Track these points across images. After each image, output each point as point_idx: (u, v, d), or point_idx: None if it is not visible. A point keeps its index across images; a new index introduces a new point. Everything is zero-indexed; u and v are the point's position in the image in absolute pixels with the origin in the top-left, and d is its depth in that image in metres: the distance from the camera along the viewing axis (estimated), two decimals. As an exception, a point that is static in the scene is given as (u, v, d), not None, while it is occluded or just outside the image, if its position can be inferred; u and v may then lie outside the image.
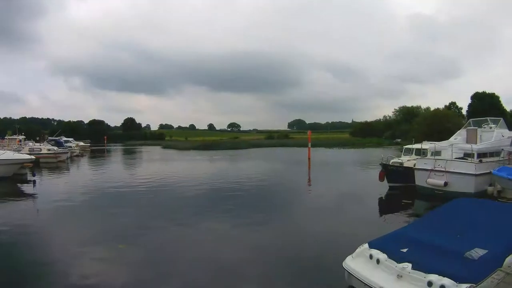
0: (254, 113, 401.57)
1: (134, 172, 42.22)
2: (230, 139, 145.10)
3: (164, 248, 13.43)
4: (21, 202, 23.94)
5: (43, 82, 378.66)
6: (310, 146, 50.59)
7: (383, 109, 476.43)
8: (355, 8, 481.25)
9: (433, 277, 7.03)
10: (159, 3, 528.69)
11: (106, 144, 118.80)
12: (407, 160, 27.15)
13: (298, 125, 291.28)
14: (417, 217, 16.96)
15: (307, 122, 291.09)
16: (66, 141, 71.52)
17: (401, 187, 25.29)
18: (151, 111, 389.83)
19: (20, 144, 55.61)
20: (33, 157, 36.26)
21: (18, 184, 31.38)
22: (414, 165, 24.76)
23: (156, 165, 51.27)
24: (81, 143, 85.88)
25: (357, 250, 9.15)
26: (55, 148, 56.17)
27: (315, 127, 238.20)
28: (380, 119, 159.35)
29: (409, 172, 24.73)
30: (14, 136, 65.39)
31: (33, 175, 31.62)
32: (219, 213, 19.21)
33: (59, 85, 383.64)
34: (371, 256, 8.46)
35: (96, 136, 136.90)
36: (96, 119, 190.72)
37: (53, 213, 19.74)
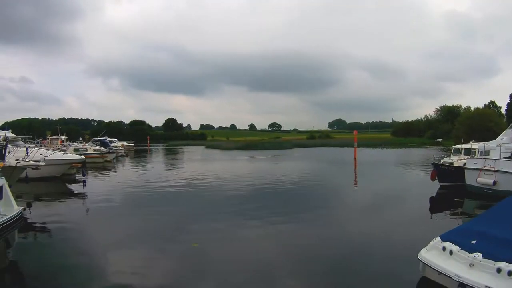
0: (293, 113, 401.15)
1: (183, 171, 41.76)
2: (272, 139, 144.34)
3: (205, 246, 13.22)
4: (71, 201, 23.85)
5: (81, 83, 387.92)
6: (356, 146, 49.88)
7: (421, 108, 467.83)
8: (389, 6, 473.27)
9: (502, 264, 7.65)
10: (195, 3, 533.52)
11: (149, 144, 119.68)
12: (456, 160, 27.39)
13: (338, 125, 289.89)
14: (469, 215, 18.19)
15: (347, 122, 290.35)
16: (111, 142, 71.65)
17: (451, 186, 25.40)
18: (190, 112, 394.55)
19: (64, 145, 55.71)
20: (83, 157, 36.12)
21: (68, 184, 31.33)
22: (464, 164, 24.83)
23: (204, 165, 51.12)
24: (125, 143, 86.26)
25: (430, 243, 9.70)
26: (101, 148, 56.21)
27: (355, 127, 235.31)
28: (421, 118, 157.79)
29: (459, 172, 24.84)
30: (56, 137, 65.90)
31: (83, 175, 31.17)
32: (264, 212, 18.61)
33: (97, 86, 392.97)
34: (444, 248, 9.11)
35: (137, 137, 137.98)
36: (137, 119, 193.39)
37: (102, 212, 19.76)
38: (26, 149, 24.93)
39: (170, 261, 12.04)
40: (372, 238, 14.02)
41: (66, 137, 64.04)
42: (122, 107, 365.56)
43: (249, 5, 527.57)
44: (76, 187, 29.93)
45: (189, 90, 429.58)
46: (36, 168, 22.76)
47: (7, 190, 16.46)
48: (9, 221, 14.93)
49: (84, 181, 30.14)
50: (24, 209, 16.83)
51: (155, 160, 64.36)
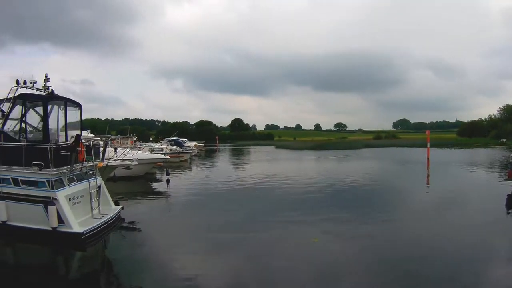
0: (357, 113, 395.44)
1: (261, 170, 40.93)
2: (339, 139, 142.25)
3: (271, 245, 13.28)
4: (158, 200, 23.69)
5: (143, 84, 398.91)
6: (429, 146, 48.44)
7: (483, 108, 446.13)
8: (446, 4, 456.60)
9: None
10: (258, 5, 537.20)
11: (218, 144, 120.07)
12: None
13: (402, 125, 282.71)
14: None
15: (412, 121, 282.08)
16: (183, 142, 71.64)
17: None
18: (256, 112, 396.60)
19: (135, 144, 55.93)
20: (167, 156, 36.32)
21: (152, 183, 31.09)
22: None
23: (280, 164, 50.60)
24: (196, 143, 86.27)
25: None
26: (177, 148, 56.08)
27: (420, 127, 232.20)
28: (485, 118, 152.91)
29: None
30: (126, 136, 66.38)
31: (167, 174, 30.78)
32: (332, 212, 18.25)
33: (160, 87, 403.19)
34: None
35: (203, 137, 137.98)
36: (203, 120, 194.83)
37: (189, 211, 19.94)
38: (115, 148, 24.50)
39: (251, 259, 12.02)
40: (445, 241, 13.32)
41: (136, 137, 64.33)
42: (187, 108, 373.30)
43: (312, 6, 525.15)
44: (159, 186, 29.54)
45: (254, 90, 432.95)
46: (128, 167, 22.87)
47: (104, 190, 16.35)
48: (110, 220, 14.94)
49: (168, 180, 29.96)
50: (123, 208, 16.70)
51: (228, 160, 64.07)
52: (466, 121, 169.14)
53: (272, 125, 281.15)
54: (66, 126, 15.73)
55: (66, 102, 15.77)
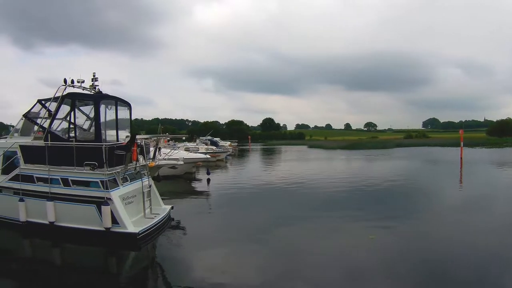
0: (387, 112, 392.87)
1: (298, 169, 41.13)
2: (370, 139, 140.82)
3: (329, 242, 13.23)
4: (199, 199, 23.65)
5: (173, 84, 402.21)
6: (462, 146, 48.79)
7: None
8: (475, 2, 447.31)
9: None
10: (287, 4, 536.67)
11: (250, 143, 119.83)
12: None
13: (432, 124, 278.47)
14: None
15: (441, 121, 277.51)
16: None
17: None
18: (286, 111, 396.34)
19: (169, 144, 55.71)
20: (208, 156, 36.05)
21: (192, 182, 30.97)
22: None
23: (315, 163, 50.70)
24: (230, 143, 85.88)
25: None
26: (213, 147, 55.75)
27: (448, 126, 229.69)
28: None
29: None
30: (160, 136, 66.10)
31: (208, 173, 30.29)
32: (369, 211, 18.11)
33: (190, 87, 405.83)
34: None
35: (235, 136, 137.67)
36: (234, 119, 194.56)
37: (228, 210, 19.71)
38: (160, 148, 24.25)
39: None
40: (478, 245, 12.62)
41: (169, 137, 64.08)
42: (216, 107, 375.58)
43: (341, 5, 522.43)
44: (200, 185, 29.34)
45: (284, 90, 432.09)
46: (173, 167, 23.04)
47: (155, 190, 16.28)
48: (162, 220, 14.84)
49: (208, 180, 29.75)
50: (172, 207, 16.54)
51: (264, 159, 63.77)
52: (495, 120, 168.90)
53: (302, 124, 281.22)
54: (117, 126, 15.48)
55: (117, 102, 15.50)
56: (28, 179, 14.30)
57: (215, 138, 76.34)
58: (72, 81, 14.70)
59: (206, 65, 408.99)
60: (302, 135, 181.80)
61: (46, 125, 14.64)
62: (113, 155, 13.62)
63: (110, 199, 13.07)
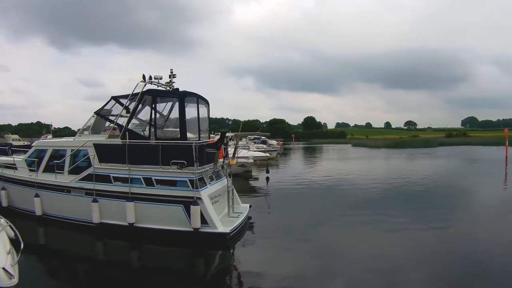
0: (425, 110, 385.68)
1: (351, 167, 41.80)
2: (411, 137, 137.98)
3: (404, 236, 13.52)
4: (261, 197, 22.98)
5: (212, 83, 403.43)
6: (507, 144, 47.47)
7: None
8: None
9: None
10: (324, 3, 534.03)
11: (294, 142, 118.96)
12: None
13: (470, 123, 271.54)
14: None
15: (479, 119, 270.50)
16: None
17: None
18: (326, 110, 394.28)
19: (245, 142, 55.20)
20: (268, 154, 36.28)
21: (250, 181, 30.42)
22: None
23: (364, 162, 50.64)
24: (278, 141, 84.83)
25: None
26: (264, 146, 54.99)
27: (487, 125, 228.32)
28: None
29: None
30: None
31: (267, 172, 29.90)
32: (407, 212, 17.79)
33: (229, 86, 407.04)
34: None
35: (277, 135, 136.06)
36: (276, 118, 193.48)
37: (291, 208, 19.46)
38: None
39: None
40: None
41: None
42: (256, 106, 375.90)
43: (378, 3, 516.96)
44: (258, 184, 28.63)
45: (323, 88, 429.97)
46: (243, 165, 23.60)
47: (233, 189, 15.51)
48: (246, 219, 14.58)
49: (267, 178, 29.28)
50: (250, 206, 16.04)
51: (312, 157, 62.96)
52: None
53: (342, 123, 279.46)
54: (199, 123, 14.85)
55: (198, 99, 14.91)
56: (104, 179, 13.69)
57: (262, 137, 75.59)
58: (150, 78, 14.25)
59: (245, 64, 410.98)
60: (343, 134, 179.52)
61: (121, 122, 14.19)
62: (203, 154, 13.07)
63: (200, 198, 12.46)
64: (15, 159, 16.82)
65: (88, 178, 13.88)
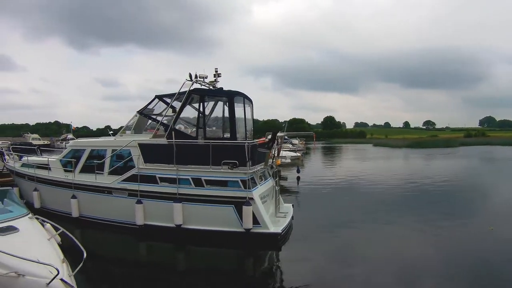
0: (443, 110, 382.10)
1: (376, 167, 42.42)
2: (430, 137, 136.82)
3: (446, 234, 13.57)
4: (293, 197, 22.53)
5: (231, 83, 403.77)
6: None
7: None
8: None
9: None
10: (342, 1, 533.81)
11: (315, 142, 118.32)
12: None
13: (488, 122, 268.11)
14: None
15: (497, 119, 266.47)
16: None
17: None
18: (343, 109, 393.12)
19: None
20: (299, 154, 36.82)
21: (280, 181, 29.88)
22: None
23: (390, 162, 50.94)
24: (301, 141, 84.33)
25: None
26: (290, 146, 54.45)
27: (505, 125, 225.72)
28: None
29: None
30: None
31: (298, 171, 30.01)
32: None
33: (248, 86, 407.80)
34: None
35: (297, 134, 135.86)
36: (296, 117, 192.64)
37: (326, 207, 19.65)
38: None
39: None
40: None
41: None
42: (275, 105, 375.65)
43: (395, 2, 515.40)
44: (289, 183, 28.22)
45: (341, 87, 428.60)
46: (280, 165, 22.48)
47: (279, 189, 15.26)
48: (291, 220, 14.12)
49: (298, 178, 29.26)
50: (293, 206, 15.60)
51: (334, 157, 62.72)
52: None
53: (361, 122, 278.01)
54: (246, 122, 14.59)
55: (244, 98, 14.61)
56: (149, 179, 13.31)
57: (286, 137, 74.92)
58: (196, 76, 14.00)
59: (263, 63, 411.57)
60: (363, 134, 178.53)
61: (164, 121, 13.97)
62: (255, 154, 12.81)
63: (252, 198, 12.17)
64: (49, 159, 16.48)
65: (132, 178, 13.51)
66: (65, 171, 15.39)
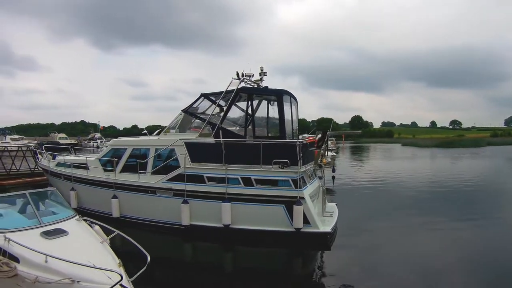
0: (469, 109, 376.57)
1: (409, 166, 42.46)
2: (457, 137, 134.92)
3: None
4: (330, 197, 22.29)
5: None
6: None
7: None
8: None
9: None
10: (366, 1, 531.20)
11: (344, 141, 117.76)
12: None
13: None
14: None
15: None
16: (313, 138, 69.50)
17: None
18: (370, 109, 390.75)
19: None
20: (334, 153, 36.14)
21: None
22: None
23: (423, 161, 50.43)
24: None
25: None
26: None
27: None
28: None
29: None
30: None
31: (333, 171, 29.08)
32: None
33: (275, 85, 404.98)
34: None
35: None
36: (324, 117, 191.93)
37: (364, 206, 19.74)
38: None
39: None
40: None
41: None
42: (302, 105, 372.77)
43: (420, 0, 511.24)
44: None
45: (369, 87, 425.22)
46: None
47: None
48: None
49: (333, 177, 27.92)
50: (337, 205, 15.10)
51: (364, 157, 62.08)
52: None
53: (388, 122, 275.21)
54: (292, 121, 14.47)
55: (291, 97, 14.46)
56: (196, 179, 13.04)
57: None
58: (243, 75, 13.82)
59: (290, 63, 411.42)
60: (390, 133, 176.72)
61: (210, 120, 13.78)
62: (306, 153, 12.67)
63: (303, 198, 11.97)
64: (87, 158, 16.30)
65: (177, 178, 13.27)
66: (105, 170, 15.22)
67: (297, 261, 12.14)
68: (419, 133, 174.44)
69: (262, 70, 14.49)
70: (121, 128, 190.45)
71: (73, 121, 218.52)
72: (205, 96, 14.44)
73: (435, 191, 23.70)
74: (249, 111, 14.21)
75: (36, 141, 59.16)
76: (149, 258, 6.82)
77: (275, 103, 13.96)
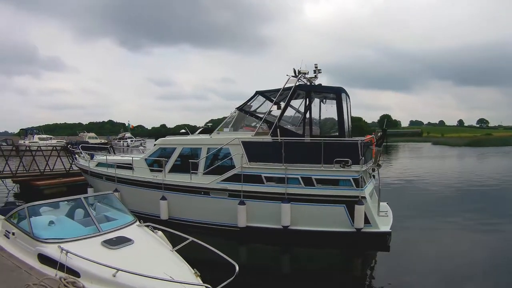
0: (495, 108, 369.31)
1: (449, 166, 42.57)
2: (485, 136, 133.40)
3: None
4: None
5: (284, 81, 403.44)
6: None
7: None
8: None
9: None
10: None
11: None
12: None
13: None
14: None
15: None
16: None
17: None
18: (397, 107, 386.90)
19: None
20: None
21: None
22: None
23: (463, 161, 50.35)
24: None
25: None
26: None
27: None
28: None
29: None
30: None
31: (373, 169, 28.47)
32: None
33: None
34: None
35: (354, 132, 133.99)
36: (353, 116, 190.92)
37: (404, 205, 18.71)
38: None
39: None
40: None
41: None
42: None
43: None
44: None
45: (396, 85, 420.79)
46: None
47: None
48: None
49: (373, 176, 27.90)
50: (388, 203, 14.86)
51: (399, 155, 61.01)
52: None
53: (416, 121, 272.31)
54: (349, 120, 14.45)
55: (346, 95, 14.21)
56: (254, 179, 12.75)
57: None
58: (299, 72, 13.65)
59: (318, 61, 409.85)
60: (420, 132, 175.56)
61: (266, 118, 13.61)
62: (366, 151, 12.53)
63: (364, 197, 11.82)
64: (133, 158, 15.99)
65: (233, 178, 12.91)
66: (151, 170, 14.88)
67: (357, 262, 11.85)
68: (447, 132, 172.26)
69: (316, 67, 14.17)
70: (149, 128, 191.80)
71: (101, 121, 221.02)
72: (261, 93, 14.15)
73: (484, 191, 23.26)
74: (305, 109, 13.97)
75: (65, 141, 59.18)
76: (237, 268, 6.16)
77: (328, 100, 13.82)
